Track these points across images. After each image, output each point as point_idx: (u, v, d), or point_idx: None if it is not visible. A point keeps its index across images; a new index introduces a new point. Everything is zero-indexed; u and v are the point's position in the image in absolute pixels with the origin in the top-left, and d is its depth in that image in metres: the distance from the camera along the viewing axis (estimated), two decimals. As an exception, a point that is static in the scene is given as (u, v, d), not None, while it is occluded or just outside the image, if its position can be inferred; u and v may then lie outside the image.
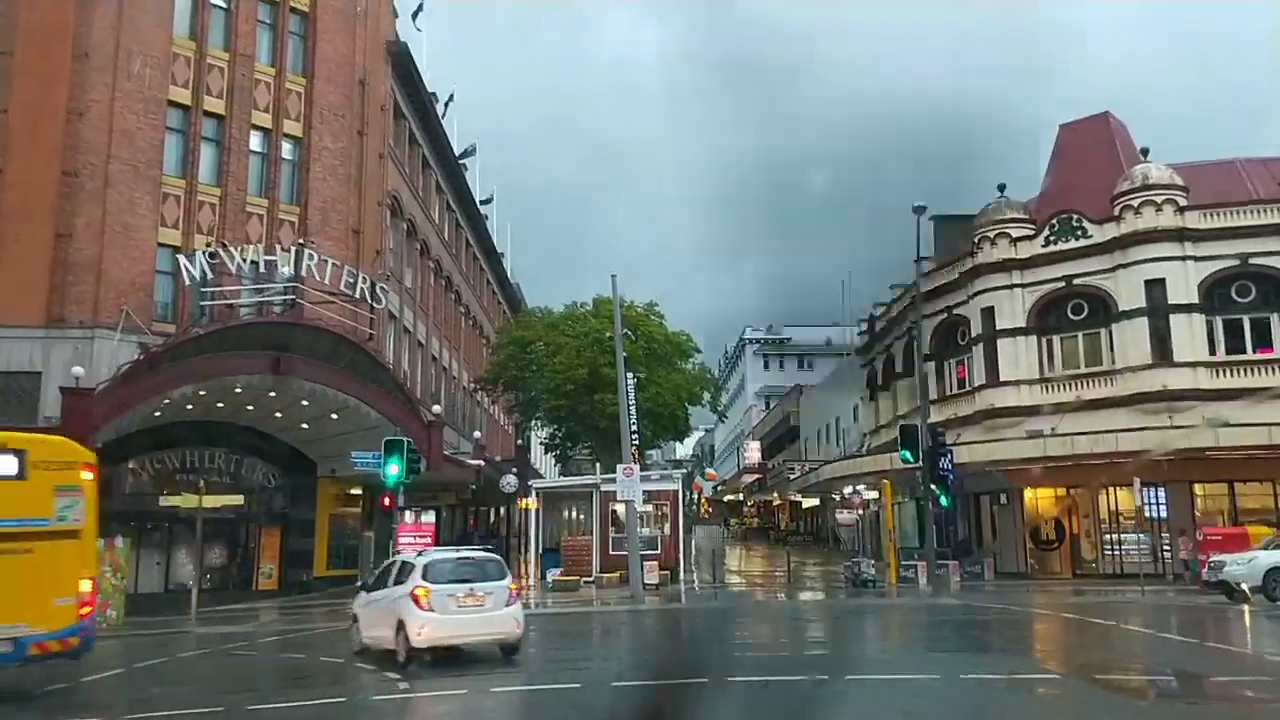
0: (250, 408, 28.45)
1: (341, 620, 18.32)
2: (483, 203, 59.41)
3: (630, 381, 30.10)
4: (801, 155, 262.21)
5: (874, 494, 35.59)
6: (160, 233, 27.90)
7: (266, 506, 30.43)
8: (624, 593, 26.25)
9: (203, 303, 26.41)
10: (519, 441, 56.60)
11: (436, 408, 32.15)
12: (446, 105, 48.44)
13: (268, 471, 30.36)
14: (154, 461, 27.93)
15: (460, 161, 51.52)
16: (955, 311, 34.94)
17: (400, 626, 13.10)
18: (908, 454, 24.88)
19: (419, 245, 41.47)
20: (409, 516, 27.04)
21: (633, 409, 30.62)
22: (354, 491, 32.31)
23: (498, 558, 14.57)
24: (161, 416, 26.76)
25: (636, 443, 31.11)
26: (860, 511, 35.02)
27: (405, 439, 23.53)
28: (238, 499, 24.87)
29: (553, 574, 28.14)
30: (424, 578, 13.18)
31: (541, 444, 51.16)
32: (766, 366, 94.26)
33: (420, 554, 14.66)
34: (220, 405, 27.96)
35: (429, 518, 27.04)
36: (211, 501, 23.14)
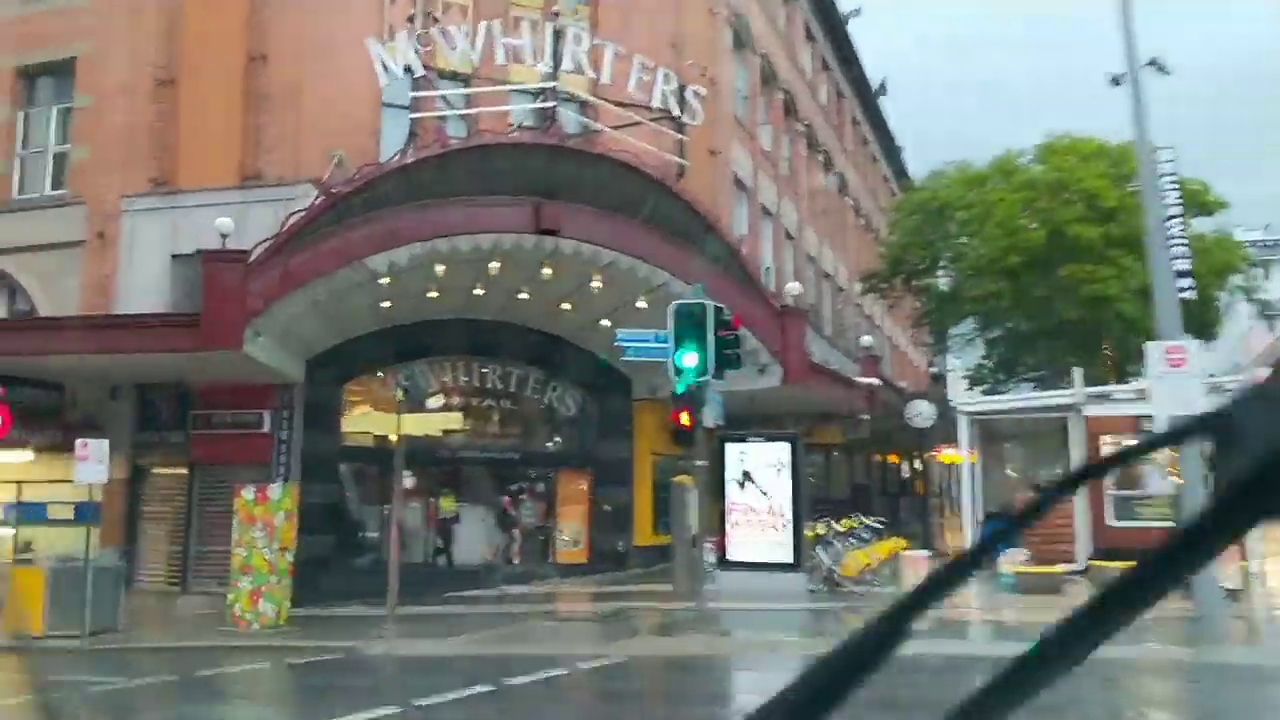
0: (524, 295, 19.14)
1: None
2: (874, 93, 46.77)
3: (1168, 165, 16.24)
4: None
5: None
6: (386, 49, 19.38)
7: (569, 442, 21.33)
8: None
9: (415, 115, 17.33)
10: (931, 370, 43.59)
11: (794, 285, 20.33)
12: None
13: (564, 393, 21.13)
14: (401, 377, 19.54)
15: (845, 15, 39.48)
16: None
17: None
18: None
19: (781, 97, 30.18)
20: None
21: (1177, 226, 16.67)
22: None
23: None
24: (395, 309, 18.35)
25: (1190, 293, 17.05)
26: None
27: (707, 302, 12.45)
28: (454, 419, 15.37)
29: (1010, 560, 15.38)
30: None
31: (964, 378, 37.92)
32: (1266, 275, 70.96)
33: None
34: (479, 292, 18.97)
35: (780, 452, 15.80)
36: (414, 425, 13.88)
